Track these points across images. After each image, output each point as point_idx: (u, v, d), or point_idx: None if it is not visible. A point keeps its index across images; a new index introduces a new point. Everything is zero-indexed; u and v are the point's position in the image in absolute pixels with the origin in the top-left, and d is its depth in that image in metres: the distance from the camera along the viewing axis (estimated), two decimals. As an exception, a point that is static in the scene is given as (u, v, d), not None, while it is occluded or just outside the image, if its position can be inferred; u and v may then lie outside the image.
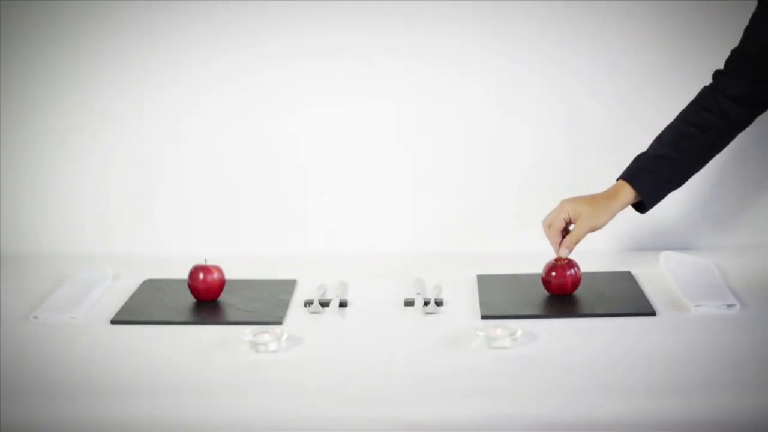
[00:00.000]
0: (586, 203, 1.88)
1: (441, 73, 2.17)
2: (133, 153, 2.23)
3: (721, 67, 1.90)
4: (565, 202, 1.88)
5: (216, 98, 2.20)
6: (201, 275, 1.89)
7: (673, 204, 2.10)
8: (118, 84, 2.20)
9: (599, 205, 1.88)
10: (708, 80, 1.92)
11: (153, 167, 2.23)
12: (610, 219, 1.88)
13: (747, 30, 1.86)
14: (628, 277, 1.98)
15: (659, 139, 1.92)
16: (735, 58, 1.88)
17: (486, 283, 1.97)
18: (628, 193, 1.88)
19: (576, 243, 1.87)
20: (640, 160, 1.91)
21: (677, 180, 1.92)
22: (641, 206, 1.92)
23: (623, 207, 1.89)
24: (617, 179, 1.91)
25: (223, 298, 1.91)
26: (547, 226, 1.89)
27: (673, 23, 2.13)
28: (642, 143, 1.93)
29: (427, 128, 2.20)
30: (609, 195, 1.89)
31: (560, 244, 1.88)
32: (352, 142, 2.21)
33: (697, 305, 1.80)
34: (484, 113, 2.19)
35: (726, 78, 1.88)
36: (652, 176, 1.89)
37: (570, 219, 1.88)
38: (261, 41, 2.17)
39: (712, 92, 1.90)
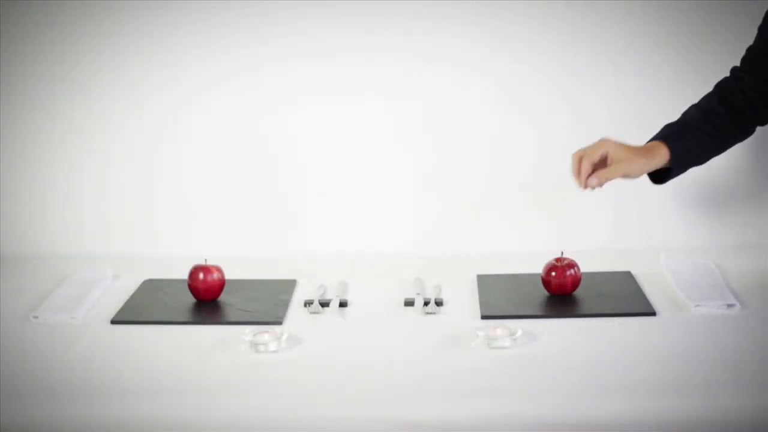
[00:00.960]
0: (628, 150, 1.78)
1: (441, 73, 2.17)
2: (133, 153, 2.23)
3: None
4: (606, 140, 1.79)
5: (216, 98, 2.20)
6: (201, 275, 1.89)
7: (672, 204, 2.09)
8: (118, 84, 2.19)
9: (639, 154, 1.78)
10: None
11: (153, 167, 2.23)
12: (643, 173, 1.80)
13: (761, 29, 1.84)
14: (628, 277, 1.98)
15: (685, 114, 1.85)
16: (750, 57, 1.85)
17: (486, 283, 1.97)
18: (664, 154, 1.79)
19: (607, 181, 1.77)
20: (671, 127, 1.83)
21: (701, 154, 1.85)
22: (658, 177, 1.84)
23: (657, 167, 1.81)
24: (649, 140, 1.83)
25: (223, 298, 1.91)
26: (579, 157, 1.78)
27: (673, 23, 2.13)
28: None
29: (427, 128, 2.20)
30: (648, 149, 1.80)
31: (589, 176, 1.77)
32: (352, 142, 2.21)
33: (697, 305, 1.80)
34: (484, 113, 2.19)
35: (742, 74, 1.85)
36: (683, 143, 1.81)
37: (606, 157, 1.78)
38: (261, 41, 2.17)
39: (734, 82, 1.85)
